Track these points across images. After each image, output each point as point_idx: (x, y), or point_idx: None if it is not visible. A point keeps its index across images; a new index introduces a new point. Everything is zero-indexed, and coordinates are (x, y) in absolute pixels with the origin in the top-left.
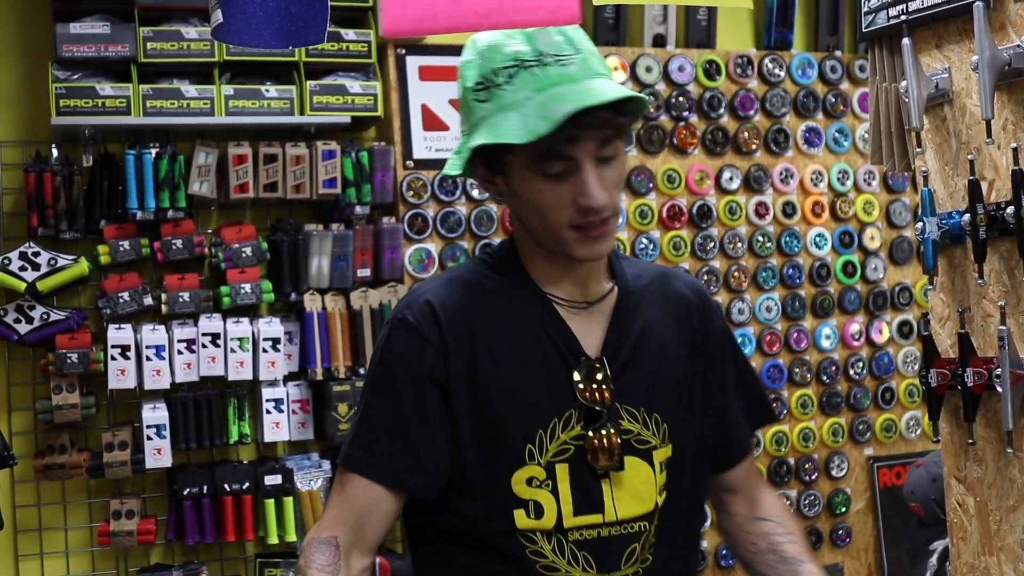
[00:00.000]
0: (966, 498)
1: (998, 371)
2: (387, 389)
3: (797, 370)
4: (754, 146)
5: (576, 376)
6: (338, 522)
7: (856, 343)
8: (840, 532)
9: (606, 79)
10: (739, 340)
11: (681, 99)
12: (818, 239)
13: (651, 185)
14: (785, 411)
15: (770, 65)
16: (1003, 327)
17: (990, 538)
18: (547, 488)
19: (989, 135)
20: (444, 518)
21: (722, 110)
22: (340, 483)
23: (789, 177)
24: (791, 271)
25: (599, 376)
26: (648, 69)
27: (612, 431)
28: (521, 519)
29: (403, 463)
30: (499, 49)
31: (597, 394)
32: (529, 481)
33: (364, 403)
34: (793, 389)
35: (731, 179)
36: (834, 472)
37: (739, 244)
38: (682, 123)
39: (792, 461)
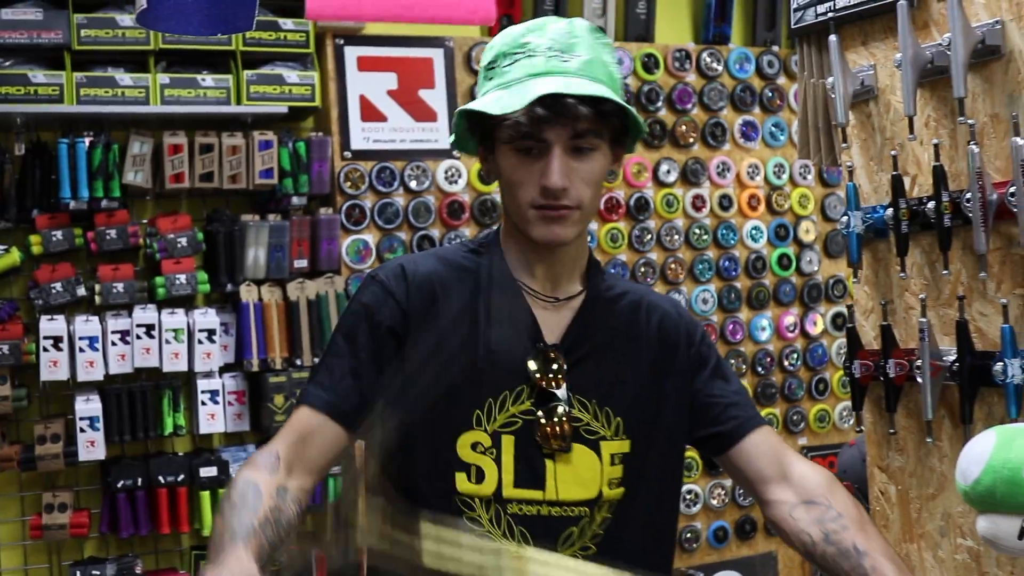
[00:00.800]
0: (888, 486)
1: (919, 362)
2: (349, 336)
3: (733, 361)
4: (691, 139)
5: (532, 362)
6: (281, 440)
7: (791, 335)
8: None
9: (599, 84)
10: None
11: None
12: (754, 232)
13: None
14: None
15: (708, 59)
16: (923, 319)
17: (911, 526)
18: (491, 456)
19: (912, 131)
20: (389, 474)
21: (660, 103)
22: (292, 415)
23: (726, 170)
24: (727, 263)
25: (554, 364)
26: None
27: (563, 416)
28: (462, 482)
29: (350, 401)
30: (515, 36)
31: (552, 380)
32: (474, 446)
33: (328, 347)
34: None
35: (668, 172)
36: None
37: (676, 236)
38: None
39: None
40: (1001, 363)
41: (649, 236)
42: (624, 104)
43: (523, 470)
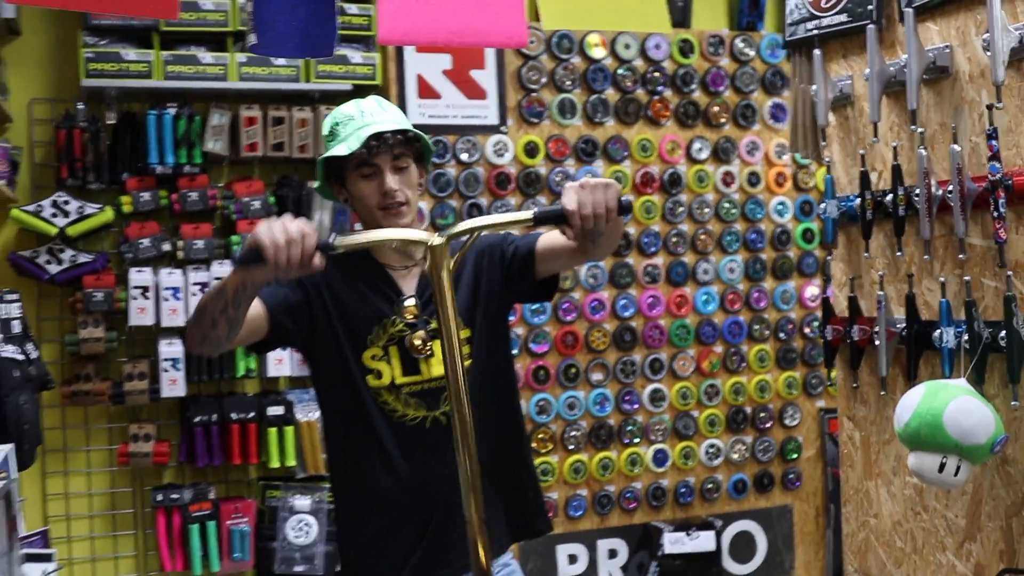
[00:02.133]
0: (854, 433)
1: (877, 329)
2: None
3: (756, 327)
4: (723, 120)
5: (393, 307)
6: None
7: (812, 304)
8: (791, 476)
9: (402, 124)
10: (703, 298)
11: (656, 75)
12: (780, 207)
13: (626, 154)
14: (744, 364)
15: (741, 45)
16: (881, 293)
17: (870, 466)
18: (385, 361)
19: (875, 135)
20: (332, 396)
21: (694, 85)
22: None
23: (755, 149)
24: (754, 236)
25: (409, 303)
26: (627, 46)
27: (422, 335)
28: (371, 381)
29: (272, 293)
30: (343, 112)
31: (412, 315)
32: (373, 356)
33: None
34: (752, 344)
35: (700, 150)
36: (787, 421)
37: (706, 210)
38: (656, 97)
39: (749, 410)
40: (939, 331)
41: (681, 209)
42: (419, 135)
43: (406, 366)
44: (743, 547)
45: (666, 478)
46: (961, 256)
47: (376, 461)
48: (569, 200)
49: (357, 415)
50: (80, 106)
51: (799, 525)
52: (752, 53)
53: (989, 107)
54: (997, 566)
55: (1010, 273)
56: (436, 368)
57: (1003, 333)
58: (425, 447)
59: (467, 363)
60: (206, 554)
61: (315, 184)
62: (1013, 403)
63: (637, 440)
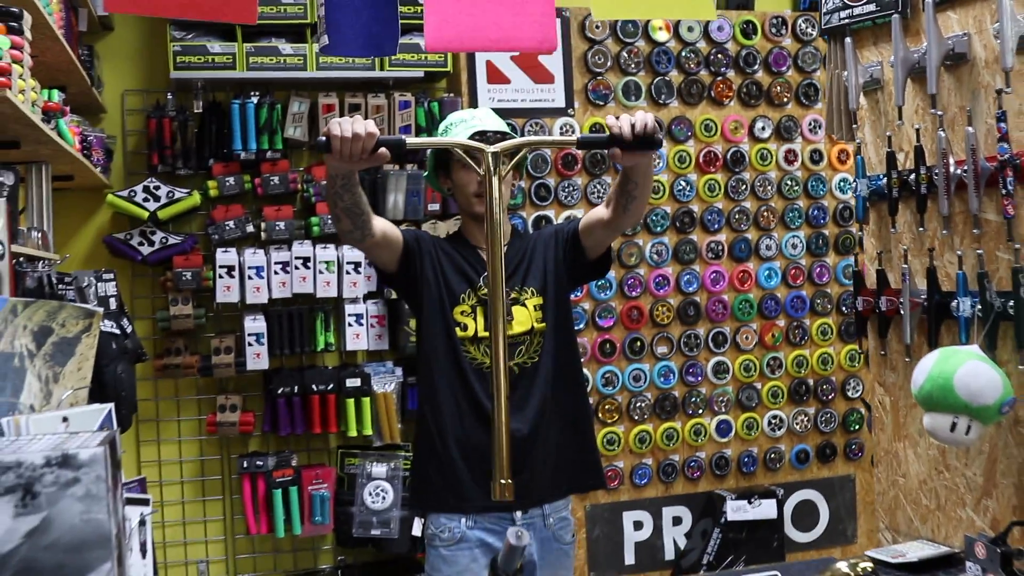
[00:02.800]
0: (884, 398)
1: (902, 299)
2: (416, 232)
3: (819, 301)
4: (786, 99)
5: (482, 277)
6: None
7: None
8: (853, 447)
9: (503, 125)
10: (765, 273)
11: (720, 56)
12: (842, 184)
13: (689, 133)
14: (807, 337)
15: (803, 25)
16: (905, 266)
17: (899, 428)
18: (471, 317)
19: (900, 118)
20: (428, 338)
21: (757, 66)
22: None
23: (817, 127)
24: (816, 212)
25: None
26: (690, 29)
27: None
28: (459, 332)
29: (407, 231)
30: (459, 114)
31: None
32: (462, 312)
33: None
34: (814, 318)
35: (763, 128)
36: (850, 393)
37: (769, 187)
38: (720, 78)
39: (811, 382)
40: (956, 301)
41: (744, 187)
42: (519, 139)
43: (487, 323)
44: (805, 516)
45: (729, 448)
46: (976, 231)
47: (457, 396)
48: (611, 121)
49: (445, 358)
50: (169, 96)
51: (861, 495)
52: (814, 33)
53: (999, 92)
54: (1010, 519)
55: (1018, 246)
56: (513, 326)
57: (1012, 302)
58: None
59: (540, 325)
60: (288, 518)
61: (424, 173)
62: (1021, 367)
63: (701, 411)
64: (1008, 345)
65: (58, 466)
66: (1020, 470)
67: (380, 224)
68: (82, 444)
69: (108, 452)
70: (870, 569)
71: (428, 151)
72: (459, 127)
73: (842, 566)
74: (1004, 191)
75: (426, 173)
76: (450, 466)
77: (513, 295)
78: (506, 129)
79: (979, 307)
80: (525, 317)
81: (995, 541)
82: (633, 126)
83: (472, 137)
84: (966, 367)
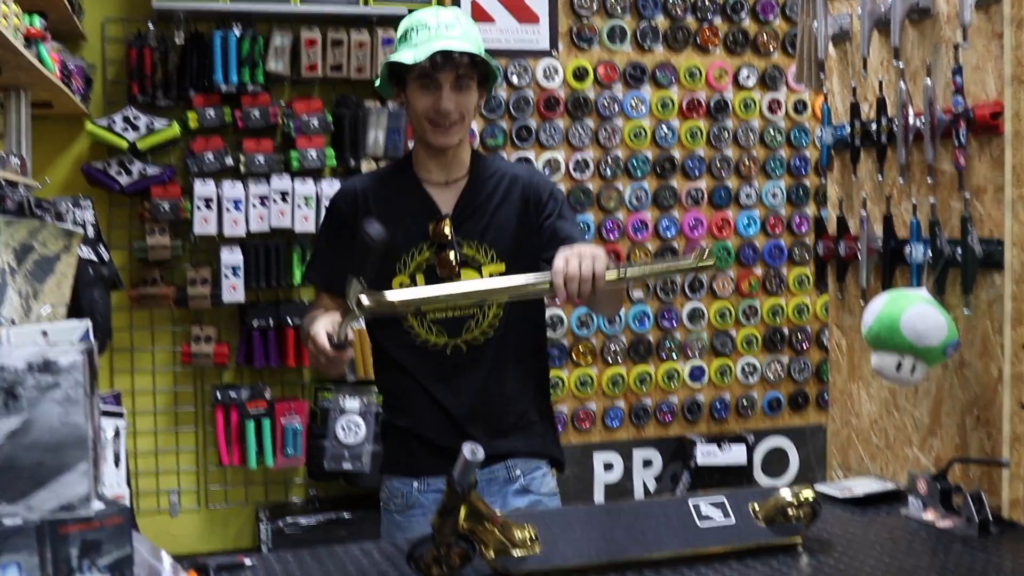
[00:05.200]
0: (841, 340)
1: (860, 245)
2: (323, 236)
3: (796, 251)
4: (771, 48)
5: (429, 224)
6: (317, 303)
7: None
8: (826, 396)
9: (473, 46)
10: (744, 222)
11: (707, 2)
12: None
13: (674, 79)
14: (783, 286)
15: None
16: (863, 211)
17: (854, 370)
18: (412, 286)
19: (864, 68)
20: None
21: (743, 13)
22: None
23: None
24: (798, 162)
25: (444, 223)
26: None
27: (452, 255)
28: None
29: (322, 273)
30: (418, 17)
31: (444, 235)
32: (401, 285)
33: (315, 244)
34: (791, 267)
35: (748, 77)
36: (824, 343)
37: (751, 136)
38: (706, 24)
39: (786, 331)
40: (909, 247)
41: (726, 134)
42: (487, 59)
43: None
44: (775, 462)
45: (702, 393)
46: (930, 180)
47: (403, 379)
48: (557, 266)
49: (388, 333)
50: (150, 26)
51: (832, 442)
52: None
53: (956, 46)
54: (952, 457)
55: (968, 196)
56: None
57: (961, 250)
58: (445, 372)
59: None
60: (261, 450)
61: (376, 82)
62: (966, 311)
63: (675, 356)
64: (956, 290)
65: (39, 371)
66: (963, 410)
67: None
68: (62, 351)
69: (87, 360)
70: (811, 498)
71: (383, 62)
72: (419, 35)
73: (785, 494)
74: (957, 143)
75: (378, 82)
76: (399, 435)
77: (468, 251)
78: (477, 49)
79: (930, 253)
80: None
81: (936, 477)
82: (578, 284)
83: (433, 57)
84: (913, 309)
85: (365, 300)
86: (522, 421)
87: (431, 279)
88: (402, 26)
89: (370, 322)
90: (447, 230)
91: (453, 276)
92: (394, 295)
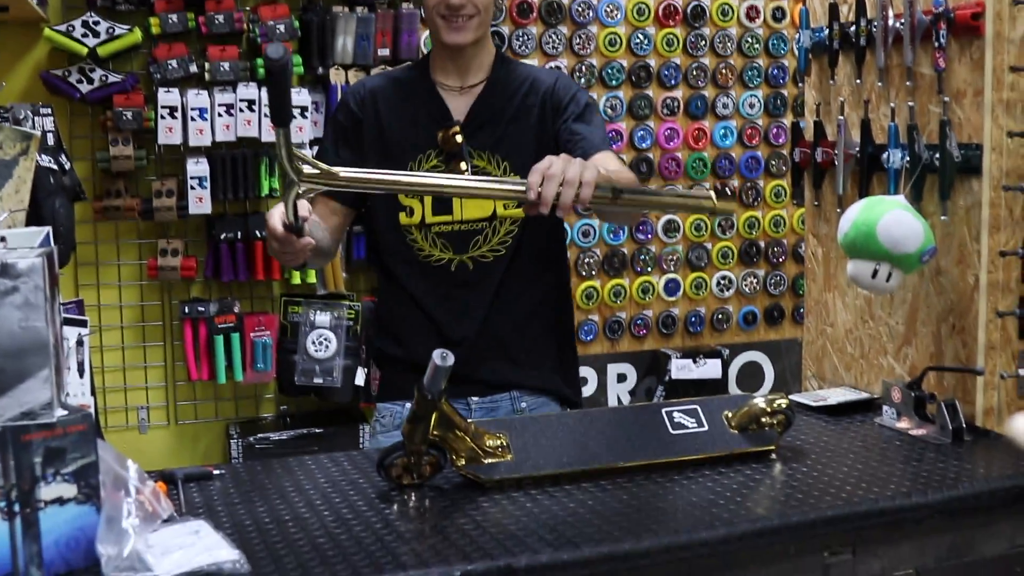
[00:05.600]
0: (817, 249)
1: (837, 151)
2: (329, 131)
3: (773, 162)
4: None
5: (439, 131)
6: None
7: None
8: (802, 311)
9: None
10: (721, 132)
11: None
12: None
13: None
14: (760, 199)
15: None
16: (840, 117)
17: (829, 279)
18: (417, 197)
19: None
20: (373, 234)
21: None
22: None
23: None
24: (776, 71)
25: (454, 131)
26: None
27: (463, 165)
28: (402, 218)
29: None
30: None
31: (452, 143)
32: (407, 193)
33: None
34: (768, 179)
35: None
36: (801, 256)
37: (729, 44)
38: None
39: (762, 244)
40: (887, 153)
41: (703, 42)
42: None
43: (437, 204)
44: (750, 376)
45: (677, 307)
46: (909, 83)
47: (402, 302)
48: (532, 179)
49: (391, 247)
50: None
51: (807, 356)
52: None
53: None
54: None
55: (947, 99)
56: (469, 209)
57: (938, 155)
58: (448, 291)
59: (508, 210)
60: (230, 364)
61: None
62: (943, 217)
63: (650, 269)
64: (933, 197)
65: None
66: (939, 319)
67: (333, 224)
68: (21, 256)
69: (46, 264)
70: (784, 406)
71: None
72: None
73: (759, 403)
74: (937, 44)
75: None
76: (392, 364)
77: (479, 163)
78: None
79: (908, 159)
80: (485, 200)
81: (910, 386)
82: (556, 187)
83: None
84: (890, 216)
85: (307, 168)
86: (532, 351)
87: None
88: None
89: (371, 225)
90: (457, 138)
91: None
92: (343, 171)
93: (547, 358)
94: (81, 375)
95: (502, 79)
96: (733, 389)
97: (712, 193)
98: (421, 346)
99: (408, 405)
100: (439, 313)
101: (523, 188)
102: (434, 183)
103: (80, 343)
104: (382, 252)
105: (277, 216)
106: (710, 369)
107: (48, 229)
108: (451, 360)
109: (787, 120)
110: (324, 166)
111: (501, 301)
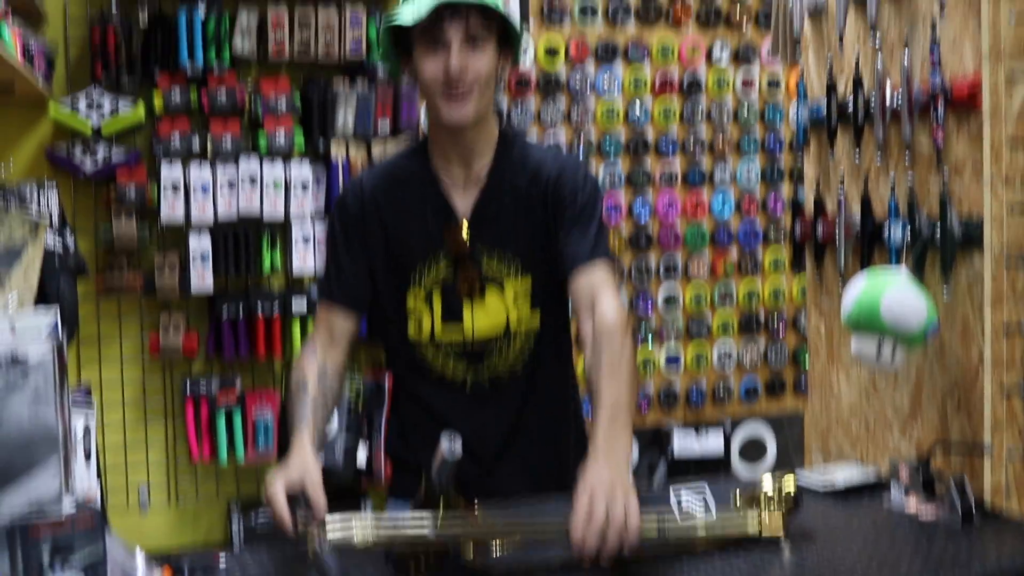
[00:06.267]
0: (819, 323)
1: (838, 226)
2: (331, 243)
3: (772, 232)
4: (744, 22)
5: (445, 231)
6: (316, 331)
7: None
8: (804, 382)
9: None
10: (719, 202)
11: None
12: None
13: (646, 56)
14: (759, 269)
15: None
16: (841, 191)
17: (833, 354)
18: (427, 306)
19: (840, 44)
20: (386, 341)
21: None
22: (317, 309)
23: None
24: (772, 140)
25: (461, 231)
26: None
27: (472, 268)
28: (411, 329)
29: (338, 286)
30: None
31: (460, 244)
32: (415, 298)
33: (325, 253)
34: (767, 248)
35: (721, 52)
36: (800, 327)
37: (725, 114)
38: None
39: (762, 315)
40: (888, 228)
41: (700, 112)
42: (504, 13)
43: (447, 316)
44: (753, 450)
45: (677, 380)
46: (908, 158)
47: (415, 403)
48: (575, 536)
49: (402, 358)
50: (113, 5)
51: (809, 430)
52: None
53: (933, 21)
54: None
55: (946, 174)
56: (482, 323)
57: (940, 230)
58: (463, 407)
59: (525, 324)
60: (232, 443)
61: (379, 56)
62: (945, 293)
63: (650, 342)
64: (935, 271)
65: (8, 366)
66: (944, 394)
67: (340, 352)
68: (31, 346)
69: (55, 355)
70: (792, 490)
71: (382, 27)
72: None
73: (766, 485)
74: (935, 119)
75: (379, 52)
76: (408, 470)
77: (488, 266)
78: (493, 3)
79: (909, 234)
80: (498, 308)
81: (918, 466)
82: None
83: (437, 9)
84: (893, 292)
85: (331, 532)
86: (553, 462)
87: (448, 298)
88: None
89: (384, 334)
90: (464, 236)
91: (474, 294)
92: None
93: (567, 461)
94: (88, 461)
95: (507, 167)
96: (736, 462)
97: (757, 520)
98: (432, 454)
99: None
100: (458, 430)
101: (563, 530)
102: (471, 532)
103: (87, 430)
104: (394, 360)
105: (281, 496)
106: (712, 443)
107: (56, 314)
108: (459, 449)
109: (784, 189)
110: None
111: (522, 419)
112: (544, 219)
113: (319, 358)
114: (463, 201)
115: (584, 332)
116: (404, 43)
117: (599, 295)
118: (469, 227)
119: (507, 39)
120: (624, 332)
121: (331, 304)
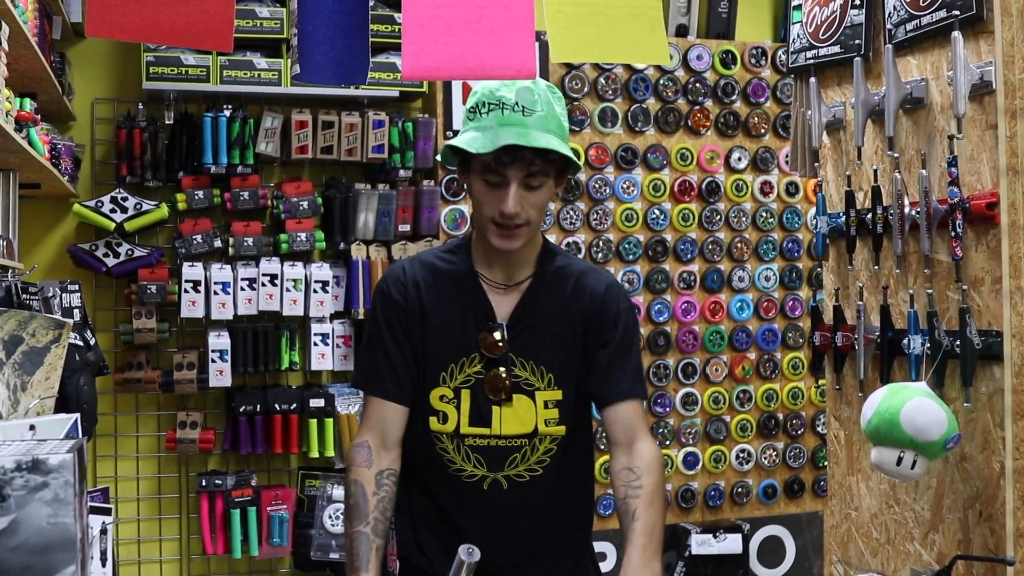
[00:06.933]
0: (839, 432)
1: (857, 335)
2: (377, 333)
3: (790, 335)
4: (763, 130)
5: (482, 336)
6: (366, 430)
7: None
8: (821, 483)
9: (552, 136)
10: (737, 305)
11: (698, 85)
12: None
13: (665, 162)
14: (777, 371)
15: (783, 56)
16: (860, 302)
17: (853, 462)
18: (453, 404)
19: (859, 158)
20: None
21: (735, 96)
22: (364, 401)
23: None
24: (790, 245)
25: (498, 335)
26: (669, 56)
27: (503, 373)
28: (433, 423)
29: (391, 380)
30: (491, 89)
31: (496, 348)
32: (441, 398)
33: (365, 343)
34: (786, 352)
35: (740, 159)
36: (819, 428)
37: (744, 218)
38: (697, 107)
39: (781, 416)
40: (907, 338)
41: (719, 217)
42: (566, 153)
43: (475, 414)
44: (771, 552)
45: (696, 481)
46: (927, 271)
47: (427, 500)
48: None
49: (418, 451)
50: (140, 107)
51: (829, 532)
52: None
53: (951, 137)
54: (955, 553)
55: (965, 287)
56: (510, 423)
57: (959, 342)
58: (478, 507)
59: (552, 429)
60: (246, 538)
61: (439, 156)
62: (966, 404)
63: (668, 442)
64: (955, 383)
65: (28, 470)
66: (965, 505)
67: (396, 451)
68: (51, 450)
69: (76, 459)
70: None
71: (443, 144)
72: (487, 118)
73: None
74: (953, 233)
75: (440, 156)
76: (419, 571)
77: (521, 374)
78: (553, 144)
79: (928, 345)
80: (528, 413)
81: (939, 575)
82: None
83: (500, 152)
84: (913, 403)
85: None
86: (571, 565)
87: (478, 397)
88: (472, 98)
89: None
90: (499, 341)
91: (502, 400)
92: None
93: (583, 566)
94: (104, 563)
95: (548, 279)
96: (754, 564)
97: None
98: (447, 565)
99: None
100: (470, 531)
101: None
102: None
103: (104, 531)
104: (406, 452)
105: None
106: (731, 544)
107: (76, 416)
108: (477, 555)
109: (802, 293)
110: None
111: (539, 524)
112: (581, 333)
113: (375, 466)
114: (502, 306)
115: (618, 464)
116: (463, 156)
117: (638, 435)
118: (507, 333)
119: (565, 166)
120: (661, 471)
121: (382, 401)
